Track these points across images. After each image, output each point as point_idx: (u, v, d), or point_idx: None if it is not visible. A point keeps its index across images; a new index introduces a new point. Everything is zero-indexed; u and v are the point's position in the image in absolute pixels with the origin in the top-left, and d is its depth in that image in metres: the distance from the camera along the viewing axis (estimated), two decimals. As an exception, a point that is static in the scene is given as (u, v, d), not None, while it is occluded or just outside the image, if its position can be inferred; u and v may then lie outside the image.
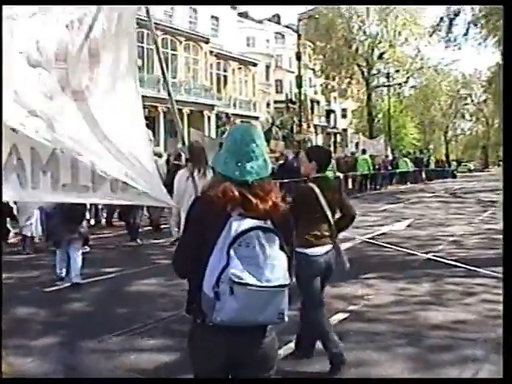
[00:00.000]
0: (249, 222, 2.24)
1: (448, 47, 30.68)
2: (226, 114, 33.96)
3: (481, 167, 72.31)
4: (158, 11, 33.10)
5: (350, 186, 23.60)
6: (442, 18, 29.20)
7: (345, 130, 65.18)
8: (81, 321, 5.92)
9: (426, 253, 9.12)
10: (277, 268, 2.22)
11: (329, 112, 63.85)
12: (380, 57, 46.79)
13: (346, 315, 5.75)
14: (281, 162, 18.25)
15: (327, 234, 4.26)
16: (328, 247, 4.26)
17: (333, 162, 21.68)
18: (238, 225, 2.23)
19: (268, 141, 20.91)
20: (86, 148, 3.29)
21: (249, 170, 2.34)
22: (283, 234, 2.31)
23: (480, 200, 19.34)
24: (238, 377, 2.41)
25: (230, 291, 2.14)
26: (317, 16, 35.78)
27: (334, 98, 60.17)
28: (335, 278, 4.63)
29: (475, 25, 28.38)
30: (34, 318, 5.94)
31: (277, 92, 51.80)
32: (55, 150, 3.25)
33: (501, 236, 3.65)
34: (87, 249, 8.92)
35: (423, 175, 33.50)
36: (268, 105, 47.85)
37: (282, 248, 2.28)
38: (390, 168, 28.06)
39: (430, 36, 34.38)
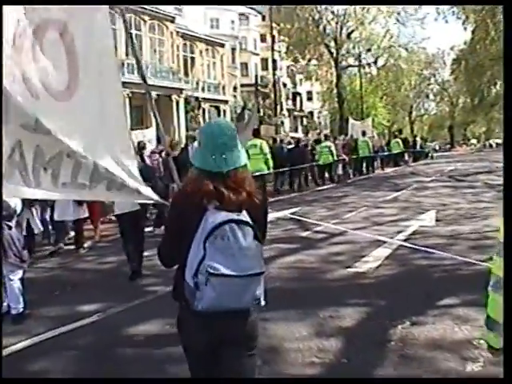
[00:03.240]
0: (224, 215, 2.30)
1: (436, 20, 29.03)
2: (196, 97, 31.50)
3: (447, 147, 72.23)
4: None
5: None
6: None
7: (311, 113, 63.71)
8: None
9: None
10: (251, 257, 2.32)
11: (295, 95, 62.18)
12: (348, 36, 45.23)
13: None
14: (291, 146, 18.36)
15: None
16: None
17: (331, 144, 19.76)
18: (214, 218, 2.29)
19: (246, 124, 21.20)
20: (89, 150, 3.31)
21: (223, 161, 2.41)
22: (257, 222, 2.40)
23: (487, 183, 17.55)
24: (223, 355, 2.49)
25: (206, 281, 2.25)
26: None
27: (300, 80, 58.54)
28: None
29: None
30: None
31: (242, 75, 49.52)
32: (61, 152, 3.27)
33: None
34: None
35: (406, 157, 31.74)
36: (235, 88, 45.46)
37: (256, 237, 2.35)
38: (385, 149, 26.17)
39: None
